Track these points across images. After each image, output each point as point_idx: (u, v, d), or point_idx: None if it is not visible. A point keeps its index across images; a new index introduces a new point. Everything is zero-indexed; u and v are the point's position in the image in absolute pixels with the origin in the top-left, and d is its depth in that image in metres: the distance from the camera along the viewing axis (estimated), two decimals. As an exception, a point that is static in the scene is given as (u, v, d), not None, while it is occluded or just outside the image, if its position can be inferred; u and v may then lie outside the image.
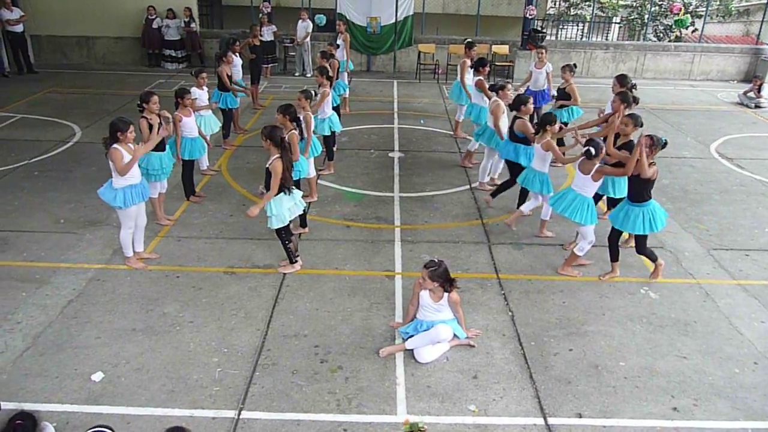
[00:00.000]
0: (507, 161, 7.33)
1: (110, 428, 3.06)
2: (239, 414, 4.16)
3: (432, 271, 4.62)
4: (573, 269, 6.10)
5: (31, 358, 4.64)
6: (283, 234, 5.80)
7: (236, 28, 16.13)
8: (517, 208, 7.02)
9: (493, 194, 7.49)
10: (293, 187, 5.78)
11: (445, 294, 4.73)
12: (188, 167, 7.39)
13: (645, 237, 5.80)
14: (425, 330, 4.77)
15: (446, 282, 4.68)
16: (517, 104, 7.02)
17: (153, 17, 14.84)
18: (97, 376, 4.44)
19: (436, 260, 4.71)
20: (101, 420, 3.96)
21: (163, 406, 4.21)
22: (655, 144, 5.50)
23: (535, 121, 7.60)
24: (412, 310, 4.95)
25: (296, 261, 5.99)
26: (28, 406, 4.10)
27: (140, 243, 6.05)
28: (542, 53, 9.92)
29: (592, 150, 5.60)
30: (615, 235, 5.97)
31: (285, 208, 5.66)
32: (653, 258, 5.96)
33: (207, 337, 4.96)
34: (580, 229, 5.95)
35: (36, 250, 6.22)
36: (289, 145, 5.76)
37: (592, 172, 5.68)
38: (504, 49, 15.78)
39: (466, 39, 11.03)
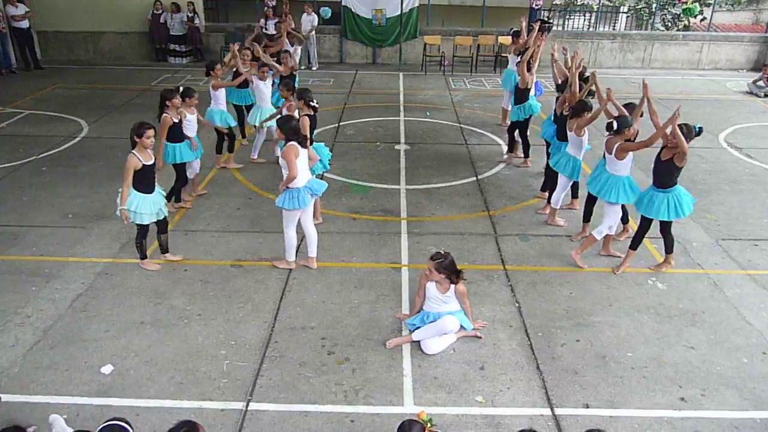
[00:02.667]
0: (546, 143, 7.44)
1: (125, 421, 3.07)
2: (247, 406, 4.19)
3: (438, 263, 4.62)
4: (581, 257, 6.06)
5: (42, 351, 4.68)
6: (138, 229, 5.72)
7: (241, 22, 16.10)
8: (541, 190, 7.36)
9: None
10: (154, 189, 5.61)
11: (452, 285, 4.73)
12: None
13: (669, 223, 5.76)
14: (432, 321, 4.78)
15: (453, 274, 4.68)
16: (563, 87, 7.01)
17: (159, 12, 14.84)
18: (107, 369, 4.48)
19: (443, 252, 4.71)
20: (111, 412, 3.99)
21: (171, 398, 4.24)
22: (684, 133, 5.46)
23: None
24: (419, 301, 4.96)
25: (145, 257, 5.89)
26: (38, 399, 4.18)
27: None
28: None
29: (614, 123, 5.54)
30: (643, 222, 5.92)
31: (146, 207, 5.52)
32: (670, 249, 5.91)
33: (215, 330, 4.98)
34: (606, 209, 5.89)
35: (45, 244, 6.27)
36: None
37: (614, 150, 5.61)
38: (510, 40, 15.67)
39: (512, 29, 11.06)
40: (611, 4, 25.13)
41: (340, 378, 4.48)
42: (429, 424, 3.17)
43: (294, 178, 5.42)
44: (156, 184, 5.69)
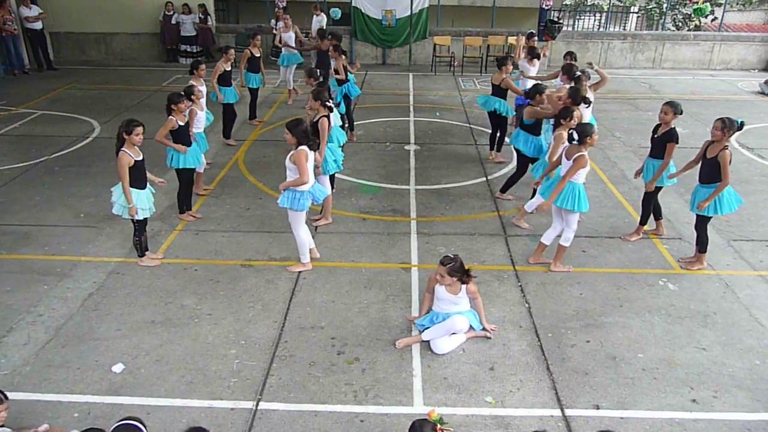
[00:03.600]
0: (516, 152, 7.40)
1: (140, 421, 3.08)
2: (257, 405, 4.20)
3: (450, 267, 4.60)
4: (563, 264, 5.97)
5: (54, 349, 4.72)
6: (135, 226, 5.82)
7: (252, 23, 16.17)
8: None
9: (503, 189, 7.48)
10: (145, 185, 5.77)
11: (463, 286, 4.72)
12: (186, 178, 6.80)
13: (705, 218, 5.78)
14: (441, 321, 4.78)
15: (463, 275, 4.67)
16: (533, 93, 6.98)
17: (171, 13, 14.93)
18: (118, 368, 4.51)
19: (452, 255, 4.70)
20: (122, 410, 4.02)
21: (182, 397, 4.26)
22: (727, 126, 5.45)
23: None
24: (427, 301, 4.96)
25: (145, 254, 5.99)
26: (50, 397, 4.21)
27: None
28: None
29: (575, 134, 5.50)
30: (698, 221, 5.91)
31: (141, 202, 5.68)
32: (703, 247, 5.91)
33: (225, 330, 5.00)
34: (566, 217, 5.77)
35: (57, 243, 6.32)
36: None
37: (574, 157, 5.50)
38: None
39: (528, 31, 11.33)
40: (621, 5, 25.02)
41: (349, 378, 4.48)
42: (440, 424, 3.16)
43: (304, 183, 5.45)
44: (148, 181, 5.77)
